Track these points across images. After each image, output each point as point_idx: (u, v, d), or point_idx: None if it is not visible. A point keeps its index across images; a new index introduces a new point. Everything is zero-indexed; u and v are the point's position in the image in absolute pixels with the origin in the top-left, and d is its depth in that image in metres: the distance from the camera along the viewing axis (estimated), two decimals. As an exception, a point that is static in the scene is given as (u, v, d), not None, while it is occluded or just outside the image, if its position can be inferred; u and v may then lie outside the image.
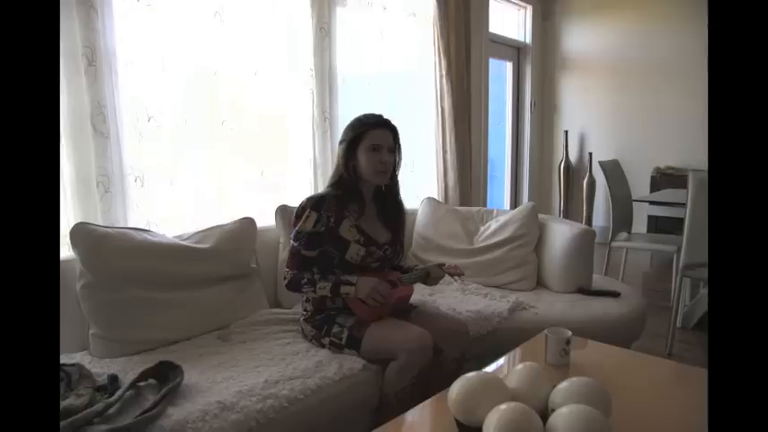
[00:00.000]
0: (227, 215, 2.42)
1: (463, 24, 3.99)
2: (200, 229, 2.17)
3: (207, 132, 2.69)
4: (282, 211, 2.40)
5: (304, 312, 1.96)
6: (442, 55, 3.85)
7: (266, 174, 2.93)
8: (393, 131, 1.97)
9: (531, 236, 2.57)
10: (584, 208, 5.36)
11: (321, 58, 3.11)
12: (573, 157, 5.51)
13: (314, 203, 1.91)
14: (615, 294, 2.41)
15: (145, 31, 2.43)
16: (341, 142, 1.99)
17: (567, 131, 5.45)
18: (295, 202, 2.83)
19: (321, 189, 3.08)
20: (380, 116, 1.99)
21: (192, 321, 1.96)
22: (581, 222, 5.29)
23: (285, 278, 1.88)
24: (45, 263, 0.87)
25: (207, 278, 2.06)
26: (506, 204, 5.46)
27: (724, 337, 0.85)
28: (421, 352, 1.75)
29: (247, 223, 2.25)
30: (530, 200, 5.50)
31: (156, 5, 2.46)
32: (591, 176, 5.29)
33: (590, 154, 5.28)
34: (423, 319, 1.94)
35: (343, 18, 3.28)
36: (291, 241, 1.91)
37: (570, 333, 1.63)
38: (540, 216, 2.68)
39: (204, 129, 2.68)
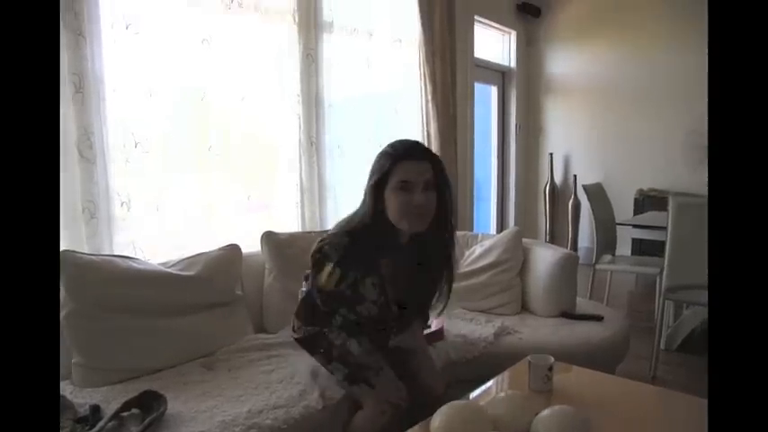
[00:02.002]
0: (213, 240, 2.42)
1: (449, 50, 4.06)
2: (185, 256, 2.17)
3: (194, 157, 2.71)
4: (268, 237, 2.40)
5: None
6: (427, 80, 3.91)
7: (253, 198, 2.94)
8: (433, 163, 1.58)
9: (516, 261, 2.60)
10: (570, 230, 5.41)
11: (308, 84, 3.15)
12: (558, 179, 5.57)
13: (339, 258, 1.57)
14: (598, 318, 2.43)
15: (132, 57, 2.45)
16: (369, 178, 1.62)
17: (551, 154, 5.52)
18: (282, 226, 2.86)
19: (309, 213, 3.12)
20: (415, 143, 1.63)
21: (176, 349, 1.95)
22: (566, 244, 5.35)
23: (295, 330, 1.68)
24: (45, 278, 0.87)
25: (192, 305, 2.05)
26: (493, 226, 5.50)
27: (724, 362, 0.85)
28: (391, 409, 1.60)
29: (233, 250, 2.25)
30: (516, 222, 5.55)
31: (143, 32, 2.49)
32: (576, 198, 5.35)
33: (575, 176, 5.35)
34: (403, 366, 1.73)
35: (329, 44, 3.32)
36: (305, 289, 1.71)
37: (552, 359, 1.64)
38: (525, 240, 2.70)
39: (191, 154, 2.70)
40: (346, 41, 3.48)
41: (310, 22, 3.19)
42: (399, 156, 1.55)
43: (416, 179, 1.52)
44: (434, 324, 2.15)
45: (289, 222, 3.06)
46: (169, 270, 2.04)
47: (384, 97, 3.78)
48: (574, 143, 5.49)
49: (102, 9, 2.34)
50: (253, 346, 2.07)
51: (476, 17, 4.75)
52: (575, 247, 5.40)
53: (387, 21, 3.81)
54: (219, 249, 2.21)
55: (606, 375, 1.87)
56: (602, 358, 2.19)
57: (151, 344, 1.90)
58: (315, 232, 2.61)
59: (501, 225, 5.58)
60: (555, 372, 1.64)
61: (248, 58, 2.93)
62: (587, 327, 2.38)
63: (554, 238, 5.57)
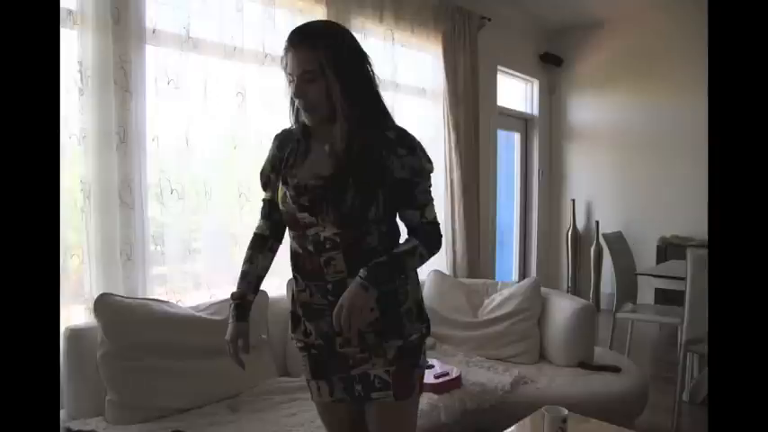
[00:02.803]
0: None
1: (472, 99, 4.19)
2: (215, 300, 2.28)
3: (225, 202, 2.85)
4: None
5: None
6: (451, 129, 4.03)
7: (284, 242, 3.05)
8: (315, 48, 1.33)
9: (534, 310, 2.65)
10: (592, 276, 5.41)
11: (335, 133, 3.29)
12: (580, 224, 5.60)
13: (273, 142, 1.54)
14: (616, 370, 2.46)
15: (172, 109, 2.62)
16: None
17: (574, 200, 5.57)
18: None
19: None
20: (297, 29, 1.40)
21: (204, 390, 2.04)
22: (589, 290, 5.34)
23: None
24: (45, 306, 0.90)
25: (220, 349, 2.15)
26: (515, 272, 5.53)
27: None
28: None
29: (260, 296, 2.35)
30: (538, 267, 5.57)
31: (183, 86, 2.66)
32: (598, 245, 5.36)
33: (596, 222, 5.38)
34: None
35: (357, 95, 3.47)
36: None
37: (566, 412, 1.68)
38: (543, 290, 2.76)
39: (223, 199, 2.84)
40: (373, 92, 3.62)
41: (339, 74, 3.35)
42: (284, 48, 1.39)
43: (294, 71, 1.35)
44: (453, 372, 2.20)
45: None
46: (199, 314, 2.15)
47: (408, 145, 3.89)
48: (596, 189, 5.54)
49: (148, 67, 2.53)
50: (277, 389, 2.15)
51: (499, 67, 4.90)
52: (597, 293, 5.39)
53: (411, 72, 3.96)
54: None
55: (622, 430, 1.89)
56: (619, 410, 2.22)
57: (180, 384, 1.99)
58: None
59: (523, 270, 5.60)
60: (571, 424, 1.69)
61: (278, 108, 3.09)
62: (605, 378, 2.41)
63: (576, 283, 5.57)
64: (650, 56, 5.16)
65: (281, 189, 1.44)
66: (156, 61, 2.64)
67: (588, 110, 5.59)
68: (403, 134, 1.46)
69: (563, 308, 2.61)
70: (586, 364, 2.50)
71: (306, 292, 1.43)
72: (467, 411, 2.12)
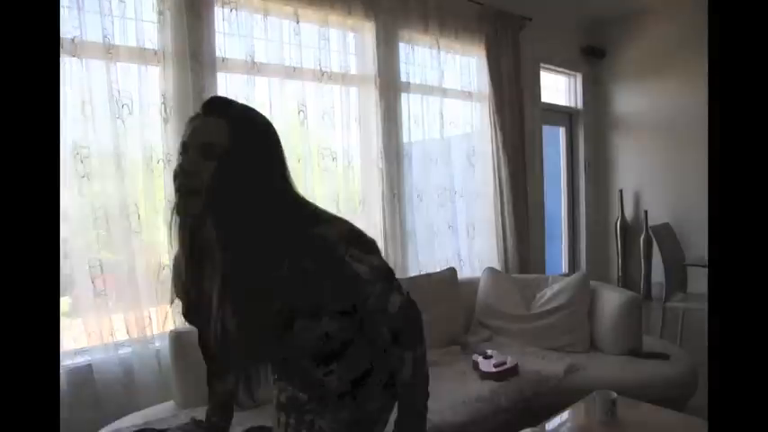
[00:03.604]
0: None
1: (516, 98, 4.39)
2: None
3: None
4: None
5: None
6: (497, 128, 4.24)
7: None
8: (224, 117, 1.11)
9: (583, 303, 2.86)
10: (643, 266, 5.52)
11: (389, 140, 3.56)
12: (629, 215, 5.71)
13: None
14: (665, 357, 2.65)
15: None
16: None
17: (621, 190, 5.68)
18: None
19: (392, 259, 3.48)
20: (213, 99, 1.18)
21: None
22: (640, 279, 5.45)
23: None
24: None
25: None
26: (564, 263, 5.69)
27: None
28: None
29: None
30: (587, 258, 5.71)
31: (250, 104, 2.97)
32: (647, 234, 5.46)
33: (645, 212, 5.48)
34: None
35: (407, 102, 3.74)
36: None
37: (615, 395, 1.91)
38: (592, 283, 2.97)
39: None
40: (421, 99, 3.88)
41: (390, 84, 3.63)
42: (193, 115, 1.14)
43: (191, 140, 1.09)
44: (510, 361, 2.45)
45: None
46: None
47: (457, 147, 4.13)
48: (644, 179, 5.63)
49: (220, 93, 2.85)
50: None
51: (542, 64, 5.06)
52: (648, 282, 5.49)
53: (457, 76, 4.19)
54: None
55: (670, 411, 2.10)
56: (669, 395, 2.41)
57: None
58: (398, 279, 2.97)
59: (573, 262, 5.76)
60: (622, 407, 1.91)
61: (337, 121, 3.38)
62: (654, 365, 2.60)
63: (627, 273, 5.69)
64: (695, 42, 5.20)
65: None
66: (226, 86, 2.96)
67: (633, 100, 5.68)
68: (327, 232, 1.21)
69: (610, 299, 2.82)
70: (636, 352, 2.70)
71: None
72: (525, 397, 2.36)
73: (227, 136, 1.08)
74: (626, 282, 5.62)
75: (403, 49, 3.78)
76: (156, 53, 2.71)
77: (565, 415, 2.03)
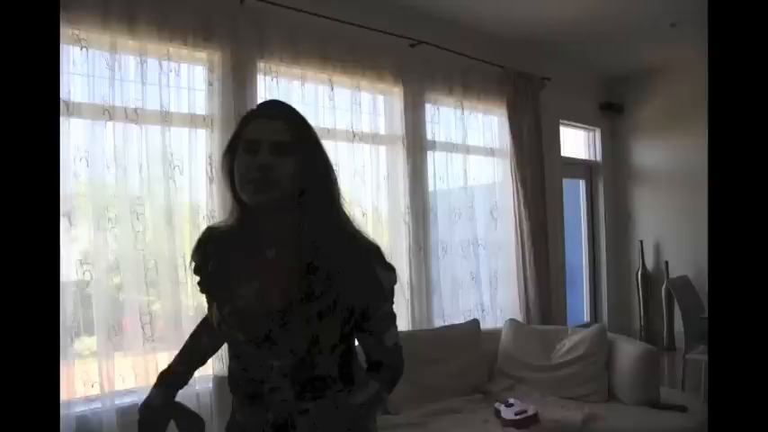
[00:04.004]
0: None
1: (536, 155, 4.62)
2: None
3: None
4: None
5: None
6: (519, 184, 4.47)
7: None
8: (287, 119, 1.24)
9: (601, 354, 3.02)
10: (665, 316, 5.61)
11: (415, 196, 3.81)
12: (650, 265, 5.83)
13: (194, 247, 1.34)
14: (683, 409, 2.78)
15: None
16: None
17: (641, 241, 5.82)
18: (405, 323, 3.43)
19: (418, 311, 3.67)
20: (271, 101, 1.34)
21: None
22: (663, 330, 5.53)
23: None
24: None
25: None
26: (586, 313, 5.81)
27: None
28: None
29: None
30: (609, 307, 5.83)
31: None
32: (669, 285, 5.57)
33: (666, 263, 5.61)
34: None
35: (432, 160, 3.99)
36: None
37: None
38: (610, 335, 3.13)
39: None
40: (446, 156, 4.13)
41: (416, 143, 3.90)
42: (249, 115, 1.27)
43: (262, 136, 1.19)
44: (530, 409, 2.60)
45: (400, 319, 3.61)
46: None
47: (480, 201, 4.35)
48: (664, 231, 5.77)
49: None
50: (381, 422, 2.60)
51: (561, 120, 5.31)
52: (671, 332, 5.57)
53: (480, 134, 4.46)
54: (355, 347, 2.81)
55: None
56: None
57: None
58: (425, 330, 3.16)
59: (594, 311, 5.87)
60: None
61: (367, 178, 3.64)
62: (671, 417, 2.74)
63: (649, 323, 5.77)
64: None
65: (213, 310, 1.29)
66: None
67: (652, 153, 5.88)
68: (364, 239, 1.27)
69: (628, 352, 2.97)
70: (653, 403, 2.83)
71: (243, 418, 1.28)
72: (544, 445, 2.51)
73: (296, 135, 1.21)
74: (648, 332, 5.71)
75: (429, 110, 4.06)
76: (204, 118, 3.02)
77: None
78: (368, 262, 1.24)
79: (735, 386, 0.93)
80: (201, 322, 1.45)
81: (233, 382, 1.28)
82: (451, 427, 2.61)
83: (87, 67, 2.69)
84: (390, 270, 1.28)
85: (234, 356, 1.28)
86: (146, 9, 2.78)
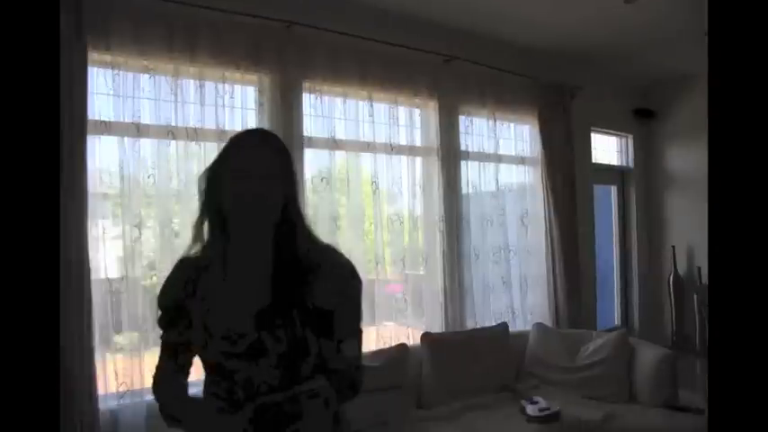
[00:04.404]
0: (383, 331, 3.34)
1: (567, 163, 4.81)
2: (369, 350, 3.08)
3: (366, 268, 3.65)
4: (425, 336, 3.27)
5: None
6: (549, 191, 4.67)
7: (409, 300, 3.85)
8: (276, 149, 1.37)
9: (622, 357, 3.24)
10: (696, 322, 5.72)
11: (449, 205, 4.06)
12: (682, 270, 5.94)
13: (174, 279, 1.41)
14: (700, 411, 2.97)
15: (324, 201, 3.50)
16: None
17: (674, 247, 5.94)
18: (430, 324, 3.71)
19: (451, 313, 3.93)
20: (261, 131, 1.50)
21: (362, 417, 2.83)
22: (695, 333, 5.65)
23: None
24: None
25: (378, 386, 2.93)
26: (617, 317, 5.97)
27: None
28: None
29: (402, 348, 3.14)
30: (640, 311, 5.97)
31: (333, 181, 3.54)
32: (699, 291, 5.68)
33: (698, 268, 5.72)
34: None
35: (465, 170, 4.24)
36: None
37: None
38: (631, 339, 3.36)
39: (365, 265, 3.63)
40: (479, 165, 4.37)
41: (450, 153, 4.15)
42: (238, 144, 1.39)
43: (256, 167, 1.31)
44: (553, 407, 2.84)
45: (434, 320, 3.88)
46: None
47: (511, 209, 4.58)
48: (697, 235, 5.86)
49: (306, 167, 3.43)
50: (417, 416, 2.89)
51: (593, 127, 5.47)
52: (703, 337, 5.68)
53: (511, 143, 4.68)
54: (395, 346, 3.10)
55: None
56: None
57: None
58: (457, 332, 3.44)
59: (625, 315, 6.02)
60: None
61: (404, 188, 3.92)
62: (688, 418, 2.94)
63: (681, 328, 5.89)
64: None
65: (195, 333, 1.35)
66: (312, 161, 3.54)
67: (685, 159, 5.98)
68: (333, 252, 1.43)
69: (647, 356, 3.19)
70: (671, 405, 3.03)
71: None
72: (566, 439, 2.75)
73: (283, 164, 1.34)
74: (679, 337, 5.83)
75: (462, 121, 4.30)
76: (256, 136, 3.33)
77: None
78: (336, 271, 1.36)
79: (734, 388, 0.93)
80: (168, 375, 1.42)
81: (209, 397, 1.34)
82: (480, 422, 2.88)
83: (154, 92, 3.04)
84: (351, 281, 1.39)
85: (213, 382, 1.34)
86: (204, 40, 3.11)
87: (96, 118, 2.84)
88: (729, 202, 0.99)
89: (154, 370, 1.45)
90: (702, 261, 5.80)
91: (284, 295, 1.31)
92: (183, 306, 1.36)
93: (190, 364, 1.43)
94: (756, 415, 0.91)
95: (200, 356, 1.37)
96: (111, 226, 2.98)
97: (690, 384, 4.27)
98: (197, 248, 1.38)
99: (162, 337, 1.42)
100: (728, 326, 0.97)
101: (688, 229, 5.95)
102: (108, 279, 2.89)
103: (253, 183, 1.27)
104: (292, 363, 1.29)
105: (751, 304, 0.95)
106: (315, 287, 1.32)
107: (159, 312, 1.41)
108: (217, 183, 1.33)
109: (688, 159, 5.96)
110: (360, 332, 1.40)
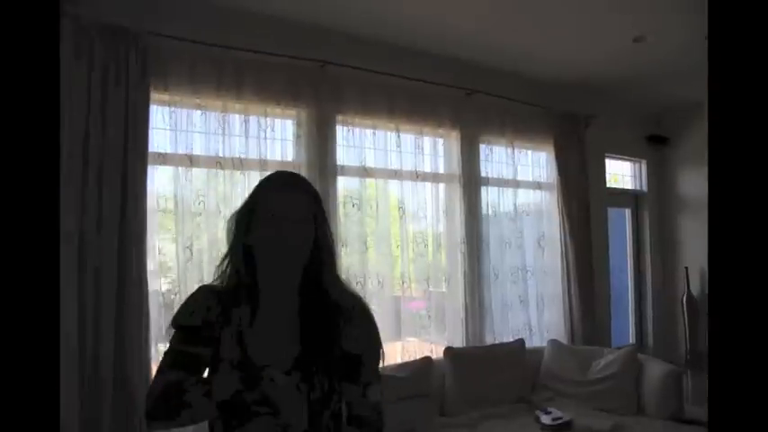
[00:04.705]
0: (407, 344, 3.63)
1: (582, 188, 5.09)
2: (395, 362, 3.37)
3: (390, 288, 3.95)
4: (448, 350, 3.57)
5: None
6: (565, 216, 4.95)
7: (432, 317, 4.14)
8: (308, 193, 1.37)
9: (631, 373, 3.50)
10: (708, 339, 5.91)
11: (470, 229, 4.36)
12: (696, 291, 6.15)
13: (192, 295, 1.39)
14: (704, 424, 3.21)
15: (354, 223, 3.82)
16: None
17: (687, 267, 6.16)
18: (451, 339, 4.01)
19: (471, 329, 4.21)
20: (290, 174, 1.47)
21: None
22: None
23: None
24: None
25: (404, 396, 3.22)
26: (632, 335, 6.18)
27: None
28: None
29: (427, 361, 3.42)
30: (654, 330, 6.18)
31: (363, 207, 3.86)
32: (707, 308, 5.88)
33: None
34: None
35: (485, 195, 4.54)
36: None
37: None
38: (640, 356, 3.62)
39: (389, 285, 3.93)
40: (498, 191, 4.67)
41: (471, 180, 4.46)
42: (271, 187, 1.39)
43: (290, 211, 1.32)
44: (565, 417, 3.11)
45: (456, 336, 4.17)
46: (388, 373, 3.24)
47: (529, 232, 4.86)
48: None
49: (339, 193, 3.76)
50: (440, 423, 3.17)
51: (607, 154, 5.74)
52: (715, 356, 5.86)
53: (529, 170, 4.98)
54: (420, 359, 3.39)
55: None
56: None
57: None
58: (476, 347, 3.72)
59: (640, 334, 6.24)
60: None
61: (428, 212, 4.24)
62: (692, 430, 3.17)
63: (695, 346, 6.07)
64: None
65: (217, 373, 1.30)
66: (342, 187, 3.87)
67: (697, 183, 6.19)
68: (359, 298, 1.45)
69: (654, 371, 3.45)
70: (677, 417, 3.28)
71: None
72: (576, 447, 3.01)
73: (314, 209, 1.36)
74: (693, 354, 6.02)
75: (483, 150, 4.62)
76: (293, 164, 3.67)
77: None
78: (363, 316, 1.41)
79: (733, 400, 0.93)
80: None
81: None
82: (498, 430, 3.16)
83: (205, 126, 3.40)
84: (375, 327, 1.44)
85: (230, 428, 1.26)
86: (249, 79, 3.47)
87: (156, 150, 3.20)
88: (729, 212, 0.99)
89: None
90: (715, 282, 6.00)
91: (318, 339, 1.32)
92: (212, 328, 1.31)
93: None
94: (755, 425, 0.90)
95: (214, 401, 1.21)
96: (167, 244, 3.33)
97: (702, 400, 4.49)
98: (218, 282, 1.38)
99: (177, 348, 1.32)
100: (728, 339, 0.96)
101: (701, 251, 6.17)
102: (161, 293, 3.23)
103: (286, 225, 1.28)
104: (320, 411, 1.29)
105: (748, 317, 0.94)
106: (344, 331, 1.35)
107: (175, 332, 1.34)
108: (246, 225, 1.33)
109: (699, 184, 6.18)
110: (380, 376, 1.42)
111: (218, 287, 1.37)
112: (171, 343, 1.33)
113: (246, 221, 1.34)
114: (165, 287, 3.27)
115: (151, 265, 3.13)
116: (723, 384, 0.95)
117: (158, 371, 1.30)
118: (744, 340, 0.94)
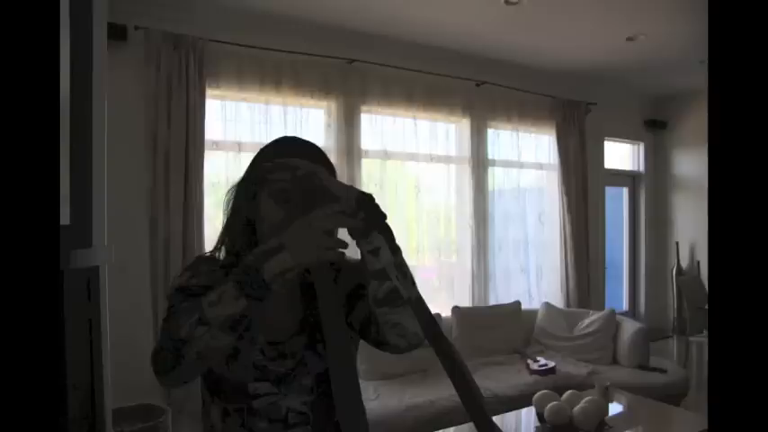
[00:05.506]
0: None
1: (581, 170, 5.67)
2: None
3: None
4: (455, 309, 4.22)
5: None
6: (564, 194, 5.55)
7: (442, 280, 4.80)
8: (321, 160, 1.23)
9: (609, 330, 4.17)
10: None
11: (479, 206, 4.99)
12: (684, 263, 6.75)
13: (190, 264, 1.23)
14: (663, 371, 3.87)
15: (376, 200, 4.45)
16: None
17: (677, 242, 6.75)
18: (459, 300, 4.66)
19: (477, 294, 4.87)
20: (296, 140, 1.27)
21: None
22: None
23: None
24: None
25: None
26: (625, 303, 6.82)
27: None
28: None
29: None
30: (646, 297, 6.81)
31: (384, 185, 4.50)
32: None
33: (698, 262, 6.52)
34: None
35: (492, 176, 5.14)
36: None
37: (609, 383, 3.18)
38: (618, 317, 4.26)
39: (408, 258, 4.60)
40: (503, 171, 5.28)
41: (479, 162, 5.06)
42: (284, 153, 1.22)
43: (307, 185, 1.12)
44: (550, 364, 3.77)
45: (463, 299, 4.82)
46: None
47: (530, 208, 5.48)
48: (699, 233, 6.66)
49: (364, 176, 4.39)
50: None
51: (606, 137, 6.29)
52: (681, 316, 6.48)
53: (532, 152, 5.57)
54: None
55: (666, 405, 3.26)
56: (662, 394, 3.62)
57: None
58: (481, 307, 4.38)
59: (633, 302, 6.87)
60: (631, 401, 3.15)
61: (441, 191, 4.86)
62: (654, 375, 3.84)
63: (681, 313, 6.70)
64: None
65: None
66: (366, 168, 4.50)
67: (691, 165, 6.76)
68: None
69: (627, 329, 4.12)
70: (643, 366, 3.94)
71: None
72: (558, 386, 3.66)
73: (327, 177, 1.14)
74: (680, 323, 6.65)
75: (490, 135, 5.21)
76: (325, 149, 4.25)
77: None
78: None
79: (733, 378, 0.91)
80: None
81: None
82: (495, 374, 3.82)
83: (250, 117, 4.03)
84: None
85: (229, 412, 1.12)
86: (287, 76, 4.09)
87: (210, 138, 3.84)
88: (728, 197, 0.95)
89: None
90: (702, 255, 6.61)
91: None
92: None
93: None
94: (755, 412, 0.88)
95: (207, 376, 1.15)
96: (217, 223, 3.97)
97: (683, 360, 5.15)
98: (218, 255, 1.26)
99: (179, 304, 1.08)
100: (727, 318, 0.93)
101: (691, 228, 6.75)
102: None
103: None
104: (328, 387, 1.10)
105: (748, 297, 0.91)
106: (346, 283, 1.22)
107: (173, 294, 1.13)
108: (253, 188, 1.18)
109: (694, 165, 6.75)
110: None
111: (217, 258, 1.25)
112: (170, 304, 1.11)
113: (253, 189, 1.18)
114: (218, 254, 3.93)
115: (208, 235, 3.80)
116: (723, 381, 0.92)
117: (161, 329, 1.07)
118: (745, 330, 0.90)
